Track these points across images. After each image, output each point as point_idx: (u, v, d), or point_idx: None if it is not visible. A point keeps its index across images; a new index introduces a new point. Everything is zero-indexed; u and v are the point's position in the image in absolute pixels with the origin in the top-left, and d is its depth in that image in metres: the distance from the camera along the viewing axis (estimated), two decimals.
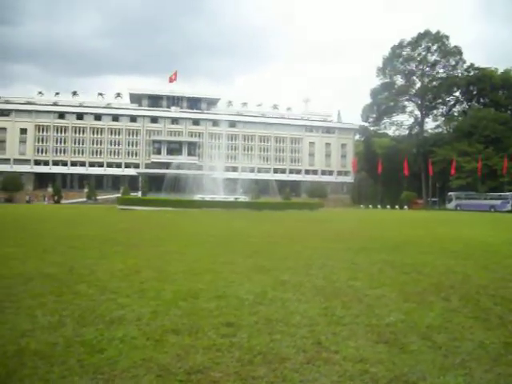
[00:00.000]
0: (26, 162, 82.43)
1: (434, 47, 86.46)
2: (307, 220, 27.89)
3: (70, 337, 4.14)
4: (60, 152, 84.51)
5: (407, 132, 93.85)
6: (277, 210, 39.03)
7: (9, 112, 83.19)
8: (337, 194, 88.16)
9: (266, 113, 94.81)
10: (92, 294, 5.81)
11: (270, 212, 36.49)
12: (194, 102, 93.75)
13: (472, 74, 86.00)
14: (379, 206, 76.09)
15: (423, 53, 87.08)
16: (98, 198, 73.40)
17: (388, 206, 76.21)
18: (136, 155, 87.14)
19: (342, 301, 5.63)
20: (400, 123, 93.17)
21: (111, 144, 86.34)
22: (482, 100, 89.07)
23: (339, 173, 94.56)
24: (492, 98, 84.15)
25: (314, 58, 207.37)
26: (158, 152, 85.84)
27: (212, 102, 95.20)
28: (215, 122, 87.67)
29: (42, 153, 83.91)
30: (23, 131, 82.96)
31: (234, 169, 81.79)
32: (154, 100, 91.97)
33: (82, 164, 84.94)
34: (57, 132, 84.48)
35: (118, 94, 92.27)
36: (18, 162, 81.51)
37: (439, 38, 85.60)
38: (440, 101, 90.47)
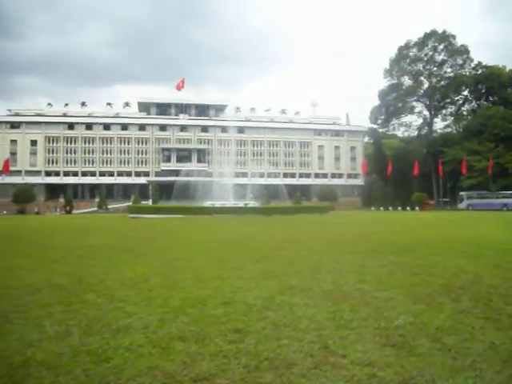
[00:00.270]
0: (37, 173, 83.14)
1: (441, 47, 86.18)
2: (317, 224, 27.80)
3: (77, 346, 4.14)
4: (70, 162, 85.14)
5: (416, 133, 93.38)
6: (287, 215, 38.98)
7: (19, 124, 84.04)
8: (347, 196, 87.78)
9: (274, 118, 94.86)
10: (100, 303, 5.82)
11: (280, 217, 36.44)
12: (202, 109, 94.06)
13: (480, 72, 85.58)
14: (390, 208, 75.69)
15: (430, 53, 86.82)
16: (109, 207, 73.82)
17: (399, 208, 75.78)
18: (146, 163, 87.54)
19: (350, 304, 5.58)
20: (409, 124, 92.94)
21: (121, 153, 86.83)
22: (490, 98, 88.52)
23: (349, 176, 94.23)
24: (501, 95, 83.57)
25: (320, 62, 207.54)
26: (168, 160, 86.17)
27: (220, 109, 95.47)
28: (224, 129, 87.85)
29: (52, 164, 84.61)
30: (33, 143, 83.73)
31: (244, 174, 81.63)
32: (163, 108, 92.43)
33: (93, 174, 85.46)
34: (67, 143, 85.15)
35: (127, 104, 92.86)
36: (29, 173, 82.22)
37: (446, 38, 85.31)
38: (448, 100, 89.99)
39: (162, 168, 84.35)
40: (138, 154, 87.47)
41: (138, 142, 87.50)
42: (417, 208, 73.45)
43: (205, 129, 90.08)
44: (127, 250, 12.31)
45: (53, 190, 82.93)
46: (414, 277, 7.52)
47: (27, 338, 4.37)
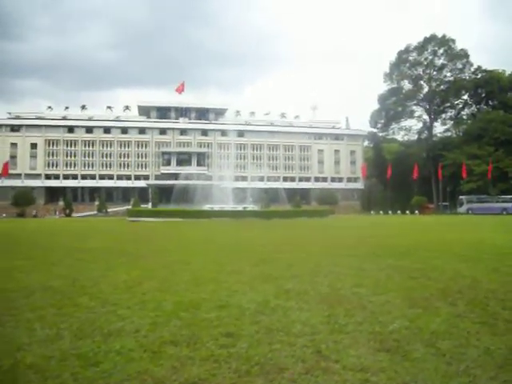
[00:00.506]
0: (37, 176, 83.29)
1: (441, 51, 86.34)
2: (316, 227, 27.74)
3: (67, 350, 4.08)
4: (70, 166, 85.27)
5: (416, 137, 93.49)
6: (286, 219, 38.92)
7: (19, 127, 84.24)
8: (347, 200, 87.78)
9: (273, 121, 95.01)
10: (93, 306, 5.76)
11: (280, 220, 36.38)
12: (202, 113, 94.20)
13: (480, 76, 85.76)
14: (390, 212, 75.63)
15: (430, 57, 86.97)
16: (109, 210, 73.80)
17: (399, 212, 75.73)
18: (145, 167, 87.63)
19: (345, 308, 5.51)
20: (409, 128, 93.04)
21: (121, 156, 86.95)
22: (490, 102, 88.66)
23: (349, 179, 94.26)
24: (501, 100, 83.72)
25: (321, 65, 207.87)
26: (168, 163, 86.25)
27: (220, 112, 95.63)
28: (223, 132, 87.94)
29: (52, 167, 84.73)
30: (33, 146, 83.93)
31: (244, 178, 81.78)
32: (163, 112, 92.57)
33: (93, 177, 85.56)
34: (67, 146, 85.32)
35: (127, 107, 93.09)
36: (28, 176, 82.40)
37: (445, 42, 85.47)
38: (448, 104, 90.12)
39: (162, 171, 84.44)
40: (138, 157, 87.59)
41: (138, 145, 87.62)
42: (416, 212, 73.35)
43: (205, 132, 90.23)
44: (125, 253, 12.25)
45: (52, 193, 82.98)
46: (412, 280, 7.46)
47: (17, 341, 4.31)
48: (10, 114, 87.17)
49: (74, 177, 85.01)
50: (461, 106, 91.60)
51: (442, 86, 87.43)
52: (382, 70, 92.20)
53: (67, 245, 15.29)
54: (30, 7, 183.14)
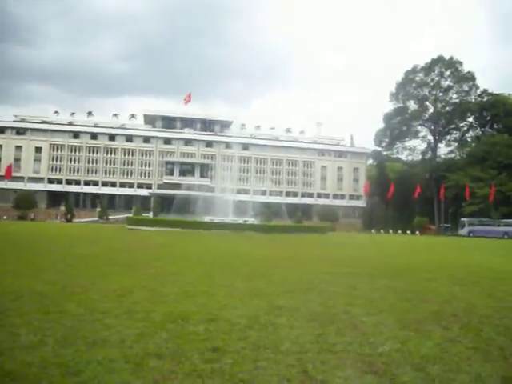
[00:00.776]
0: (40, 180, 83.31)
1: (447, 73, 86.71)
2: (314, 244, 27.61)
3: (48, 357, 4.00)
4: (74, 171, 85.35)
5: (420, 157, 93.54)
6: (286, 234, 38.76)
7: (24, 131, 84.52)
8: (348, 218, 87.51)
9: (278, 136, 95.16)
10: (80, 313, 5.68)
11: (279, 235, 36.21)
12: (207, 125, 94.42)
13: (485, 99, 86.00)
14: (391, 231, 75.36)
15: (436, 78, 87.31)
16: (110, 217, 73.65)
17: (400, 231, 75.42)
18: (149, 176, 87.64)
19: (336, 327, 5.42)
20: (413, 148, 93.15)
21: (124, 164, 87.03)
22: (495, 126, 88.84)
23: (351, 197, 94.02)
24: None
25: (327, 83, 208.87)
26: (171, 173, 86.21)
27: (225, 125, 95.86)
28: (228, 145, 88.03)
29: (55, 171, 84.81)
30: (38, 150, 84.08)
31: (246, 191, 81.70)
32: (168, 121, 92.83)
33: (95, 183, 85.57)
34: (71, 151, 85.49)
35: (133, 115, 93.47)
36: (31, 180, 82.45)
37: (452, 64, 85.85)
38: (453, 126, 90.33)
39: (165, 181, 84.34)
40: (142, 165, 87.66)
41: (142, 153, 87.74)
42: (417, 232, 73.08)
43: (209, 144, 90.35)
44: (118, 261, 12.16)
45: (54, 198, 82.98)
46: (406, 302, 7.35)
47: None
48: (16, 116, 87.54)
49: (77, 182, 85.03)
50: (465, 128, 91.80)
51: (447, 108, 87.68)
52: (389, 90, 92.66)
53: (61, 250, 15.22)
54: (43, 14, 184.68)
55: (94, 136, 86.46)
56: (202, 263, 12.53)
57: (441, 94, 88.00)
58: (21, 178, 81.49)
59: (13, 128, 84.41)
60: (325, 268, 12.30)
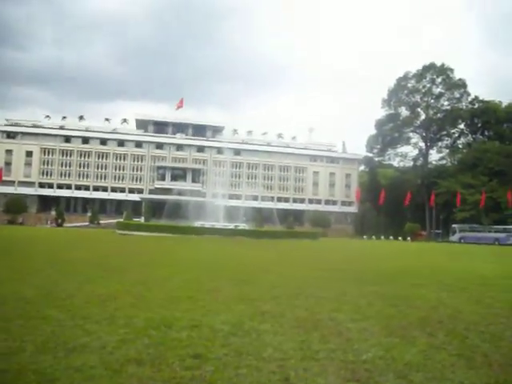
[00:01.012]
0: (31, 184, 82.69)
1: (439, 80, 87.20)
2: (305, 249, 27.57)
3: (25, 364, 3.93)
4: (65, 175, 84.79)
5: (411, 163, 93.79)
6: (276, 239, 38.67)
7: (15, 134, 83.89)
8: (340, 224, 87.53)
9: (270, 141, 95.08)
10: (61, 319, 5.60)
11: (270, 241, 36.15)
12: (199, 130, 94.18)
13: (476, 106, 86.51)
14: (382, 237, 75.38)
15: (428, 85, 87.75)
16: (101, 222, 73.11)
17: (391, 237, 75.52)
18: (140, 181, 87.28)
19: (320, 334, 5.37)
20: (404, 154, 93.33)
21: (116, 169, 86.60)
22: (486, 133, 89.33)
23: (343, 203, 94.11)
24: (496, 130, 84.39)
25: (320, 89, 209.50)
26: (162, 178, 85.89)
27: (217, 130, 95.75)
28: (220, 150, 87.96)
29: (46, 176, 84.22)
30: (29, 154, 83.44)
31: (238, 196, 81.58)
32: (160, 126, 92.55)
33: (87, 188, 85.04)
34: (62, 155, 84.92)
35: (125, 120, 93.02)
36: (22, 184, 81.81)
37: (444, 71, 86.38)
38: (444, 133, 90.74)
39: (156, 186, 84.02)
40: (133, 170, 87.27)
41: (134, 158, 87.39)
42: (409, 238, 73.20)
43: (201, 149, 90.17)
44: (106, 266, 12.06)
45: (45, 202, 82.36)
46: (393, 308, 7.32)
47: None
48: (7, 120, 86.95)
49: (68, 187, 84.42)
50: (457, 134, 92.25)
51: (438, 115, 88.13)
52: (381, 96, 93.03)
53: (49, 255, 15.09)
54: (35, 18, 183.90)
55: (85, 140, 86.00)
56: (191, 268, 12.46)
57: (432, 100, 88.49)
58: (11, 182, 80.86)
59: (3, 132, 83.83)
60: (313, 273, 12.28)
